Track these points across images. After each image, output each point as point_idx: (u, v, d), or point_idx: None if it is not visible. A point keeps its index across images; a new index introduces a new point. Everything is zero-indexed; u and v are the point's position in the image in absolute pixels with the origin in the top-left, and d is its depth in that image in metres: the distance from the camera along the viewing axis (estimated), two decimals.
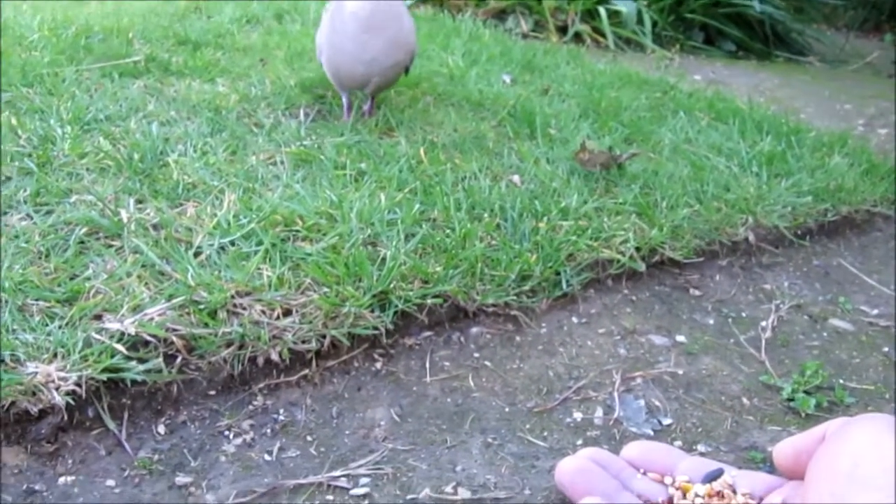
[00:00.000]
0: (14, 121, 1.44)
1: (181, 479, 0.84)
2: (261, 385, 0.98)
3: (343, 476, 0.86)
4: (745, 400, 1.07)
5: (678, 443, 0.96)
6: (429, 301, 1.10)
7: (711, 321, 1.25)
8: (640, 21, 3.39)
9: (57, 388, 0.85)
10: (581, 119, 1.89)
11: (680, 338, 1.19)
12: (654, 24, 3.43)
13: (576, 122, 1.86)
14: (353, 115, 1.70)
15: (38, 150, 1.34)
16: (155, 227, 1.15)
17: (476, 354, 1.10)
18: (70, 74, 1.75)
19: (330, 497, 0.84)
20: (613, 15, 3.37)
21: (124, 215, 1.16)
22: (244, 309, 1.00)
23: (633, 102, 2.08)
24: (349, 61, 1.57)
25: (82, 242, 1.10)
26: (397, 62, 1.60)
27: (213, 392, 0.96)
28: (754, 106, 2.26)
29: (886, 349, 1.23)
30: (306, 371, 1.01)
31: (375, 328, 1.05)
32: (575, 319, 1.20)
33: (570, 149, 1.64)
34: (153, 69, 1.88)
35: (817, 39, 3.90)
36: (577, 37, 3.35)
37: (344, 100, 1.71)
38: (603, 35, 3.34)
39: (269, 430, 0.93)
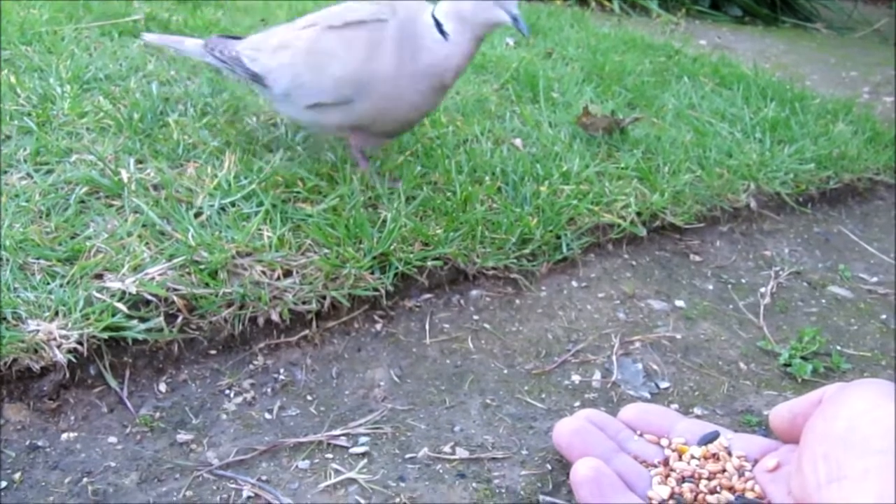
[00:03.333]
0: (13, 79, 1.43)
1: (182, 436, 0.85)
2: (261, 345, 0.99)
3: (342, 435, 0.87)
4: (742, 365, 1.08)
5: (675, 406, 0.97)
6: (429, 263, 1.10)
7: (711, 286, 1.26)
8: None
9: (58, 346, 0.85)
10: (584, 83, 1.88)
11: (679, 303, 1.20)
12: None
13: (579, 85, 1.85)
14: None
15: (38, 109, 1.33)
16: (155, 187, 1.15)
17: (476, 317, 1.10)
18: (69, 33, 1.73)
19: (329, 455, 0.84)
20: None
21: (125, 175, 1.16)
22: (245, 269, 1.00)
23: (637, 67, 2.07)
24: (406, 111, 1.17)
25: (83, 202, 1.10)
26: None
27: (213, 351, 0.97)
28: (759, 72, 2.24)
29: (884, 316, 1.24)
30: (306, 331, 1.01)
31: (375, 290, 1.05)
32: (575, 283, 1.20)
33: (572, 113, 1.63)
34: (153, 28, 1.86)
35: (824, 6, 3.86)
36: None
37: (360, 153, 1.25)
38: None
39: (269, 390, 0.94)
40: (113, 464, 0.81)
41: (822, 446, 0.64)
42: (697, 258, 1.33)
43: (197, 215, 1.09)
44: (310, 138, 1.37)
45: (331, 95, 1.15)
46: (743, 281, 1.29)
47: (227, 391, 0.93)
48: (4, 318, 0.87)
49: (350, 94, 1.14)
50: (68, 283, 0.93)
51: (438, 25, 1.10)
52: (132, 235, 1.02)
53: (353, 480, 0.81)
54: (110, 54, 1.65)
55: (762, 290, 1.26)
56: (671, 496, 0.73)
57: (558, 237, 1.22)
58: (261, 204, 1.12)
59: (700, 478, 0.75)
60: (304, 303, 1.00)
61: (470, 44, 1.11)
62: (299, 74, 1.17)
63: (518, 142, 1.48)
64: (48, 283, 0.93)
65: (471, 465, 0.85)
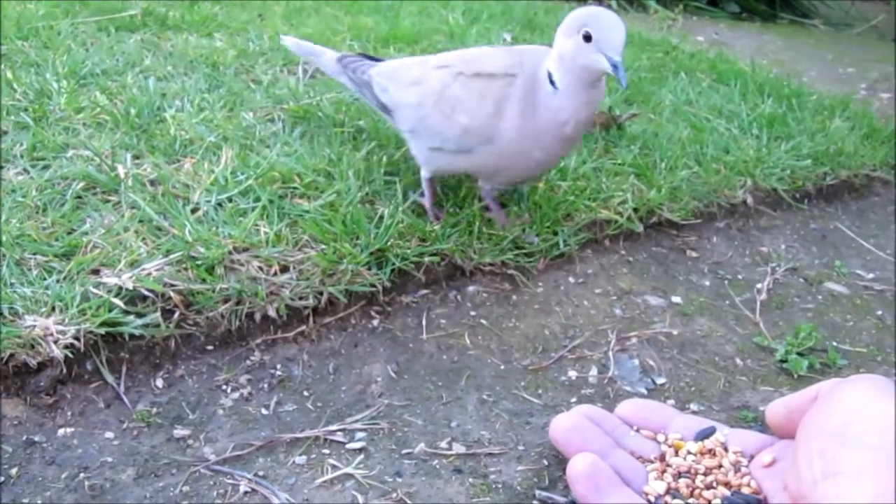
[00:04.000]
0: (9, 74, 1.43)
1: (179, 431, 0.85)
2: (258, 341, 0.99)
3: (339, 430, 0.87)
4: (738, 360, 1.08)
5: (671, 402, 0.97)
6: (426, 259, 1.10)
7: (707, 282, 1.26)
8: None
9: (55, 342, 0.85)
10: None
11: (676, 299, 1.20)
12: None
13: None
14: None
15: (34, 105, 1.33)
16: (152, 182, 1.15)
17: (472, 313, 1.10)
18: (66, 28, 1.73)
19: (326, 451, 0.85)
20: None
21: (121, 171, 1.15)
22: (242, 265, 1.00)
23: (634, 63, 2.07)
24: (527, 166, 1.12)
25: (79, 197, 1.10)
26: None
27: (210, 347, 0.97)
28: (756, 68, 2.24)
29: (880, 312, 1.24)
30: (303, 327, 1.01)
31: (373, 285, 1.05)
32: (571, 279, 1.20)
33: None
34: (150, 23, 1.86)
35: (822, 2, 3.85)
36: None
37: (429, 194, 1.19)
38: None
39: (266, 385, 0.94)
40: (110, 459, 0.81)
41: (818, 442, 0.64)
42: (694, 254, 1.33)
43: (194, 211, 1.09)
44: (306, 135, 1.37)
45: (454, 143, 1.11)
46: (739, 277, 1.29)
47: (224, 387, 0.93)
48: (1, 314, 0.87)
49: (474, 144, 1.10)
50: (65, 278, 0.93)
51: (550, 76, 1.04)
52: (129, 231, 1.02)
53: (349, 476, 0.81)
54: (107, 49, 1.65)
55: (759, 286, 1.27)
56: (667, 491, 0.73)
57: (555, 233, 1.22)
58: (258, 199, 1.12)
59: (696, 473, 0.75)
60: (300, 298, 1.00)
61: (580, 92, 1.03)
62: (427, 116, 1.13)
63: None
64: (45, 279, 0.93)
65: (467, 460, 0.85)
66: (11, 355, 0.84)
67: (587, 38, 0.97)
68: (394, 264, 1.07)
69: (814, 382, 0.74)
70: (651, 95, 1.83)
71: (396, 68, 1.21)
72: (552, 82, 1.04)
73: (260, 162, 1.21)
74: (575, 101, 1.03)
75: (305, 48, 1.37)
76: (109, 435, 0.84)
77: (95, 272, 0.95)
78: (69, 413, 0.86)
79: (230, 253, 1.01)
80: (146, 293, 0.93)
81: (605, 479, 0.71)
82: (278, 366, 0.97)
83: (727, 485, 0.74)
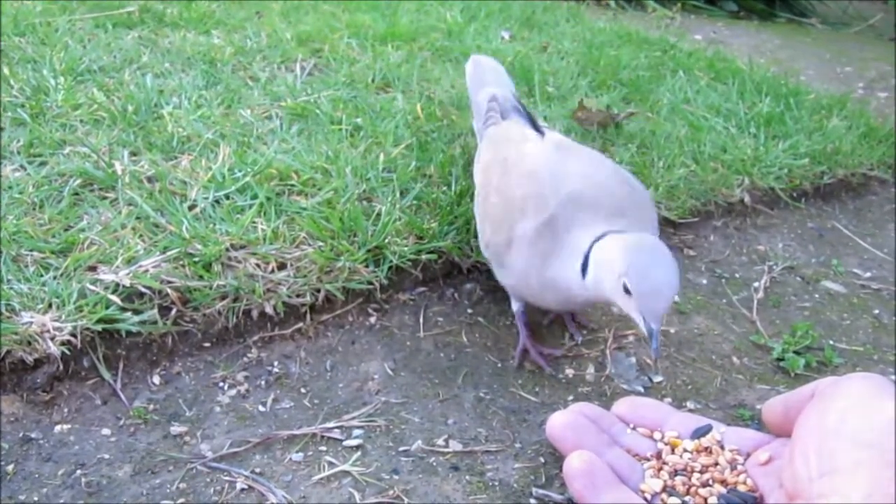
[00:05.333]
0: (6, 71, 1.42)
1: (176, 428, 0.85)
2: (255, 337, 0.99)
3: (336, 427, 0.87)
4: (735, 359, 1.08)
5: (668, 400, 0.97)
6: (423, 257, 1.10)
7: (704, 281, 1.26)
8: None
9: (52, 338, 0.85)
10: (579, 77, 1.88)
11: None
12: None
13: (574, 80, 1.85)
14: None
15: (32, 101, 1.33)
16: (149, 179, 1.15)
17: (470, 310, 1.10)
18: (63, 24, 1.72)
19: (323, 448, 0.85)
20: None
21: (118, 167, 1.15)
22: (239, 262, 1.00)
23: (632, 61, 2.06)
24: (555, 303, 1.00)
25: (76, 194, 1.10)
26: None
27: (207, 344, 0.97)
28: (754, 67, 2.24)
29: (877, 311, 1.24)
30: (300, 324, 1.01)
31: (370, 283, 1.05)
32: None
33: (568, 107, 1.63)
34: (147, 20, 1.85)
35: (820, 1, 3.85)
36: None
37: (523, 322, 1.05)
38: None
39: (263, 382, 0.94)
40: (106, 456, 0.81)
41: (814, 440, 0.64)
42: (691, 252, 1.33)
43: (191, 208, 1.09)
44: (304, 132, 1.36)
45: (483, 249, 1.04)
46: (736, 275, 1.29)
47: (221, 384, 0.93)
48: None
49: (492, 260, 1.01)
50: (62, 275, 0.93)
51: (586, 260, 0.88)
52: (126, 228, 1.02)
53: (346, 473, 0.81)
54: (104, 46, 1.64)
55: (755, 284, 1.27)
56: (664, 489, 0.73)
57: None
58: (255, 197, 1.12)
59: (692, 471, 0.75)
60: (298, 296, 1.00)
61: (600, 298, 0.89)
62: (476, 212, 1.06)
63: None
64: (42, 276, 0.93)
65: (464, 457, 0.85)
66: (8, 352, 0.84)
67: (627, 290, 0.83)
68: (391, 262, 1.07)
69: (810, 381, 0.74)
70: (649, 94, 1.83)
71: (491, 140, 1.10)
72: (585, 267, 0.88)
73: (257, 159, 1.21)
74: (592, 297, 0.90)
75: (479, 68, 1.28)
76: (106, 432, 0.84)
77: (92, 269, 0.95)
78: (66, 410, 0.86)
79: (227, 250, 1.01)
80: (143, 290, 0.93)
81: (601, 477, 0.71)
82: (275, 363, 0.97)
83: (723, 483, 0.74)
